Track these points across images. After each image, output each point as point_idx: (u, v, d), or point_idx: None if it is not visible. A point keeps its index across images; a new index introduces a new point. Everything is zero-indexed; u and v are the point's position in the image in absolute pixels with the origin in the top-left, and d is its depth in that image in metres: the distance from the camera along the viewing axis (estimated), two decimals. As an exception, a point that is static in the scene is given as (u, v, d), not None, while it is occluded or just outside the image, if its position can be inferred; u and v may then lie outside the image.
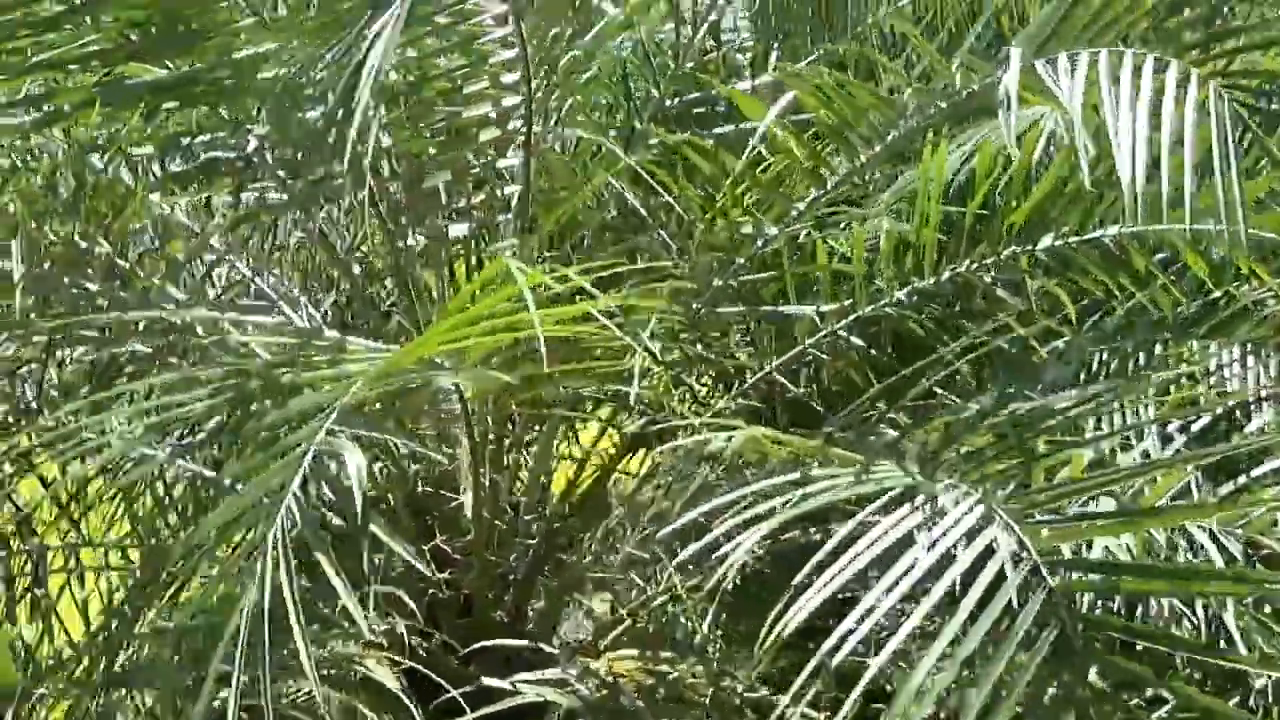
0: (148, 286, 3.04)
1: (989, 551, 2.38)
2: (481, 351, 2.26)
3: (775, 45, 3.74)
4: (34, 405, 3.43)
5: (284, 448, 2.18)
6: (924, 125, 3.02)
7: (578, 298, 2.24)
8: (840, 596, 2.43)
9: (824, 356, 3.61)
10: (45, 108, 3.03)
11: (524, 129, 2.99)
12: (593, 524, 3.69)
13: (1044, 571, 2.30)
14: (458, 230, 3.09)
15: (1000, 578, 2.33)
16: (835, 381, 3.89)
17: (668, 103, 3.55)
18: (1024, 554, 2.34)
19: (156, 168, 3.25)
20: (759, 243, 3.23)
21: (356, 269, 3.68)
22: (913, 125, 3.02)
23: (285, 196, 3.14)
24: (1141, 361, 3.54)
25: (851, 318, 3.42)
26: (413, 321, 3.30)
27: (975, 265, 3.39)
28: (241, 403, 2.35)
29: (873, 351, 3.62)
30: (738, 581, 3.64)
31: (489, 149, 3.07)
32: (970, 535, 2.40)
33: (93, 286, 2.97)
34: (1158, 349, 3.51)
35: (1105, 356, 3.55)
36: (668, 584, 3.58)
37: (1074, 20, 2.74)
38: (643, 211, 3.19)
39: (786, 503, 2.53)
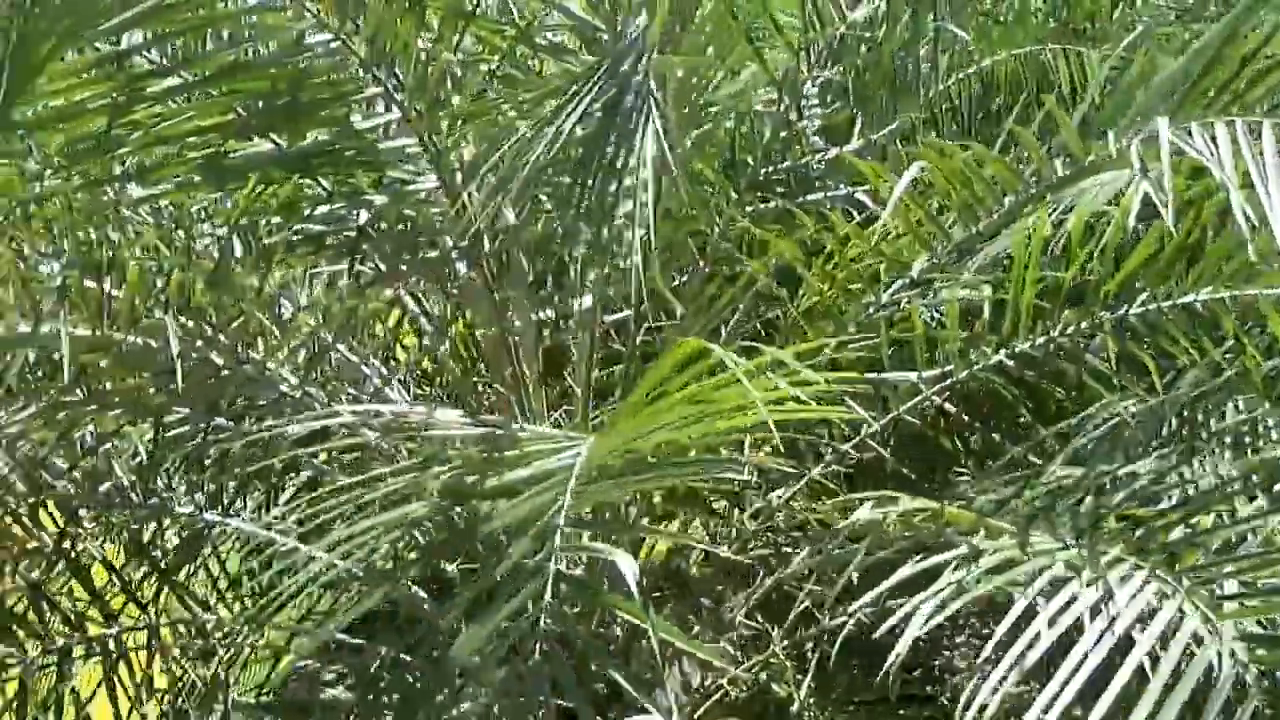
0: (264, 363, 2.97)
1: (1170, 629, 2.38)
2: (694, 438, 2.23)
3: (858, 114, 3.75)
4: (126, 483, 3.34)
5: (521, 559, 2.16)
6: (1040, 192, 3.04)
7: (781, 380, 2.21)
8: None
9: (914, 420, 3.61)
10: (161, 182, 2.97)
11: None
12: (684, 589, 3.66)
13: (1236, 649, 2.30)
14: (587, 302, 3.05)
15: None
16: (909, 442, 3.89)
17: (761, 172, 3.55)
18: (1211, 630, 2.34)
19: (264, 241, 3.17)
20: (870, 309, 3.23)
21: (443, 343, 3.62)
22: (1031, 193, 3.04)
23: (405, 268, 3.09)
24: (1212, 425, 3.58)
25: (948, 382, 3.43)
26: (516, 399, 3.24)
27: (1070, 329, 3.41)
28: (456, 509, 2.30)
29: (965, 416, 3.64)
30: (829, 650, 3.63)
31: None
32: (1150, 612, 2.41)
33: (218, 360, 2.90)
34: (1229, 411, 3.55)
35: (1174, 422, 3.57)
36: (769, 653, 3.55)
37: (1202, 86, 2.78)
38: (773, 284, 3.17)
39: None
